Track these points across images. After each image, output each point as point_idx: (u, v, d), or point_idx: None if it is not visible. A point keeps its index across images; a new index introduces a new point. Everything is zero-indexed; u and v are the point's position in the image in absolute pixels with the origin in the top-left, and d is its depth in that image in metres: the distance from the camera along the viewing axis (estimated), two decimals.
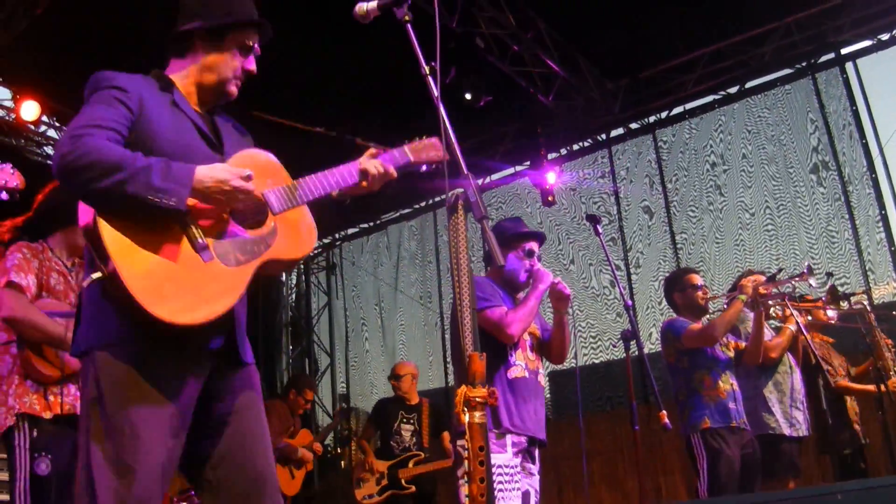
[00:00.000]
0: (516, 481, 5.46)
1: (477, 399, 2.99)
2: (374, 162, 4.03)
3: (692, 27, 12.53)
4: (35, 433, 5.13)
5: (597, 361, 13.91)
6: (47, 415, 5.20)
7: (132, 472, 3.14)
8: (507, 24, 11.88)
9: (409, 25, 3.57)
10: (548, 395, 14.91)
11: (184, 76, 3.73)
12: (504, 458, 5.40)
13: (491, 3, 11.59)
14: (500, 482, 5.31)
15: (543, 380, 5.98)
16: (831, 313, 8.02)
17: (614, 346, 13.00)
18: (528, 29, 12.15)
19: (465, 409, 2.98)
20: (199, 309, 3.22)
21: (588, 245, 14.17)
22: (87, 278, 3.19)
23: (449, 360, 14.51)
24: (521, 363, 5.75)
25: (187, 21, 3.75)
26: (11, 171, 5.16)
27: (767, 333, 7.90)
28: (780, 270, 8.61)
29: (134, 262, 3.16)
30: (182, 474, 3.55)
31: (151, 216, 3.20)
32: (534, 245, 6.09)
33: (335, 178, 3.90)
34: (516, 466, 5.48)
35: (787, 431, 7.72)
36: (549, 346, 6.11)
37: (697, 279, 7.87)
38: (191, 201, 3.27)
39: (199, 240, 3.32)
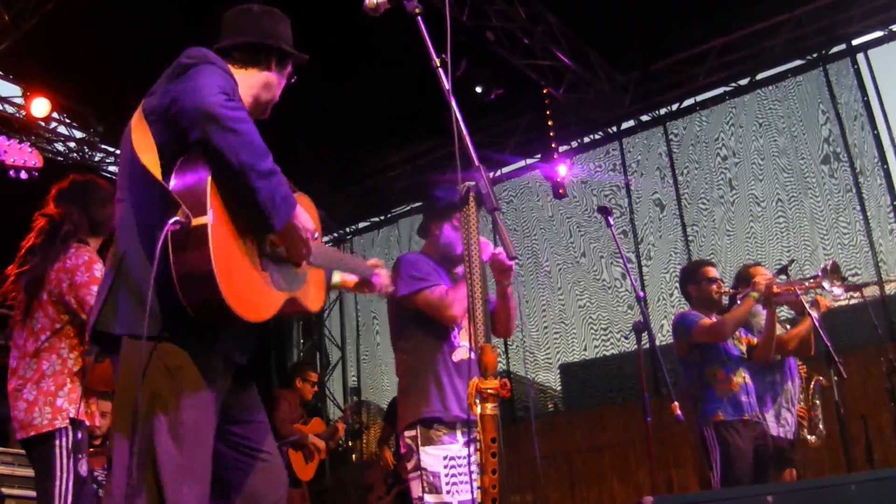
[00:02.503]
0: (471, 472, 5.10)
1: (489, 391, 2.99)
2: (384, 276, 4.41)
3: (702, 19, 12.54)
4: (79, 435, 5.14)
5: (608, 354, 13.91)
6: (88, 421, 5.24)
7: (202, 475, 3.21)
8: (517, 18, 11.88)
9: (419, 18, 3.57)
10: (558, 388, 14.93)
11: (244, 85, 3.73)
12: (455, 448, 5.22)
13: None
14: (454, 474, 5.14)
15: None
16: (837, 291, 7.95)
17: (626, 338, 13.01)
18: (538, 22, 12.15)
19: (478, 401, 2.98)
20: (250, 306, 3.22)
21: (599, 237, 14.16)
22: (170, 220, 3.07)
23: None
24: (467, 344, 5.41)
25: (259, 36, 3.85)
26: (30, 149, 5.14)
27: (779, 327, 7.89)
28: (791, 262, 8.58)
29: (221, 230, 3.14)
30: None
31: (247, 207, 3.21)
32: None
33: (350, 264, 4.26)
34: (469, 456, 5.10)
35: (776, 432, 7.71)
36: (494, 319, 5.72)
37: (713, 272, 7.85)
38: None
39: (267, 249, 3.43)
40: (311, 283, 3.73)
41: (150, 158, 3.27)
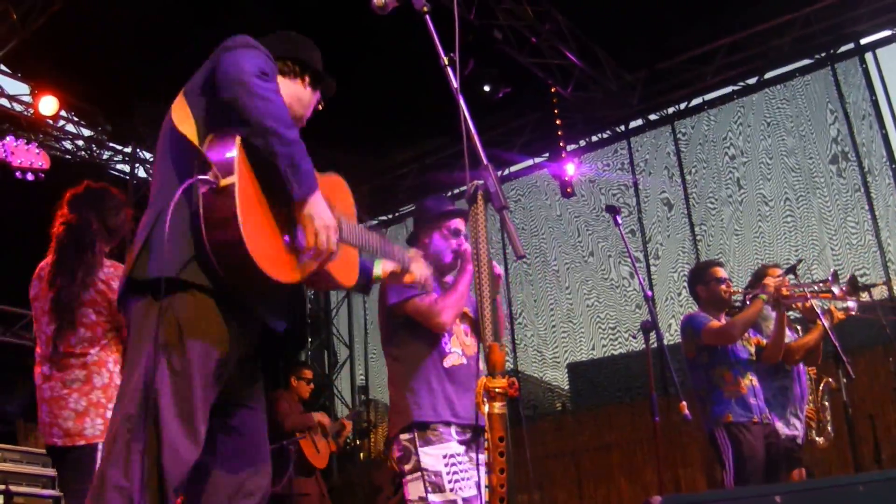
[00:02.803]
0: (470, 471, 5.26)
1: (496, 389, 2.98)
2: (422, 264, 4.51)
3: (710, 18, 12.53)
4: None
5: (616, 353, 13.90)
6: None
7: (200, 429, 3.24)
8: (524, 16, 11.89)
9: (427, 17, 3.57)
10: (566, 387, 14.93)
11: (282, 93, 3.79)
12: (454, 446, 5.25)
13: None
14: (455, 472, 5.18)
15: (483, 364, 5.74)
16: (851, 304, 7.96)
17: (634, 338, 13.01)
18: (546, 21, 12.16)
19: (486, 400, 2.98)
20: (275, 264, 3.31)
21: (607, 236, 14.16)
22: (194, 179, 3.22)
23: None
24: (458, 350, 5.54)
25: (297, 52, 3.99)
26: (37, 150, 5.15)
27: (790, 334, 7.87)
28: (799, 261, 8.57)
29: (249, 193, 3.27)
30: None
31: (275, 174, 3.31)
32: (459, 223, 5.74)
33: (386, 249, 4.27)
34: (464, 454, 5.29)
35: (784, 433, 7.68)
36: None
37: (722, 272, 7.82)
38: None
39: (291, 219, 3.46)
40: (342, 259, 3.75)
41: (188, 128, 3.41)
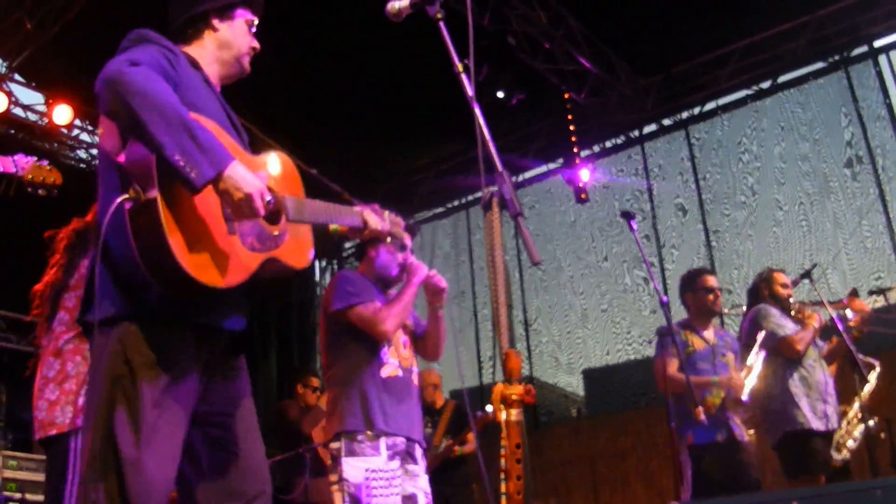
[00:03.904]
0: (395, 486, 5.30)
1: (513, 396, 2.98)
2: (374, 216, 4.16)
3: (724, 22, 12.51)
4: None
5: (631, 358, 13.88)
6: None
7: (165, 466, 3.13)
8: (538, 22, 11.89)
9: (441, 23, 3.56)
10: (581, 394, 14.92)
11: (201, 56, 3.72)
12: (378, 461, 5.28)
13: (522, 0, 11.59)
14: (376, 486, 5.20)
15: (416, 378, 5.78)
16: (850, 314, 7.91)
17: (649, 343, 12.99)
18: (559, 26, 12.15)
19: (502, 407, 2.98)
20: (215, 273, 3.09)
21: (621, 241, 14.13)
22: (116, 200, 3.01)
23: (483, 357, 14.53)
24: (395, 361, 5.61)
25: (192, 7, 3.82)
26: (49, 168, 5.18)
27: (793, 326, 7.82)
28: (814, 266, 8.53)
29: (173, 200, 3.03)
30: None
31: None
32: (405, 238, 5.77)
33: (339, 214, 3.95)
34: (394, 470, 5.33)
35: (815, 425, 7.61)
36: (424, 341, 5.96)
37: (712, 282, 7.69)
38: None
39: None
40: (292, 241, 3.55)
41: (112, 142, 3.30)
